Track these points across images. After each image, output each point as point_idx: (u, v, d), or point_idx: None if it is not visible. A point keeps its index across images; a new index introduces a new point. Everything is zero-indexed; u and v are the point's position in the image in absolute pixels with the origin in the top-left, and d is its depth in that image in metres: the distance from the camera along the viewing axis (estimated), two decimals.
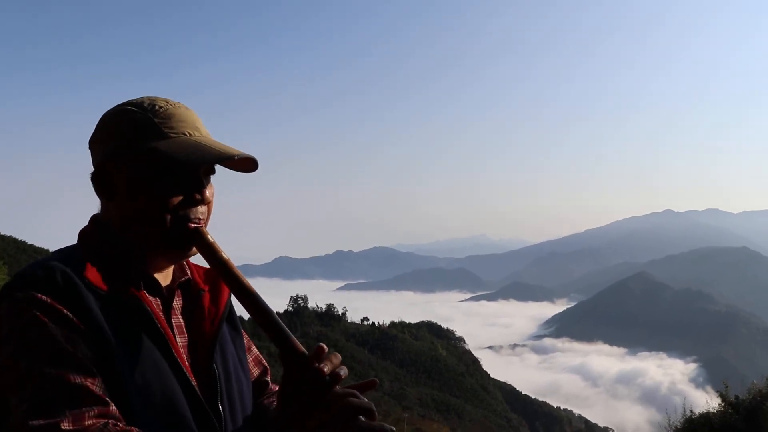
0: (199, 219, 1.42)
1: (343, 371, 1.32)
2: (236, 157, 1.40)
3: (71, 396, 1.21)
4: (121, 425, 1.22)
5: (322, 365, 1.30)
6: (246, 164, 1.46)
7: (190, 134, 1.42)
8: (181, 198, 1.40)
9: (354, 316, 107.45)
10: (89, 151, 1.47)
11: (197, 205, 1.42)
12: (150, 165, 1.38)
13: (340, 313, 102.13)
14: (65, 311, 1.27)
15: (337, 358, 1.34)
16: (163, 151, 1.37)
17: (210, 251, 1.41)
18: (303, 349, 1.33)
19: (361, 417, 1.27)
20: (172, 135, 1.39)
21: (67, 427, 1.18)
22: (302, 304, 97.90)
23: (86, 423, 1.19)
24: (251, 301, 1.38)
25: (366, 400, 1.29)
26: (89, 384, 1.23)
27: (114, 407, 1.24)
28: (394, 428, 1.25)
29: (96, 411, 1.21)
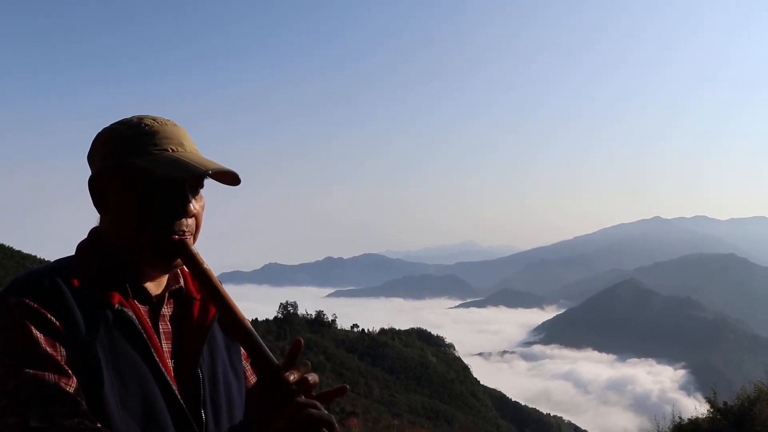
0: (184, 231, 1.48)
1: (312, 378, 1.37)
2: (211, 172, 1.45)
3: (43, 394, 1.27)
4: (88, 423, 1.27)
5: (288, 374, 1.34)
6: (230, 178, 1.51)
7: (173, 150, 1.47)
8: (165, 211, 1.46)
9: (344, 323, 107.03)
10: (89, 167, 1.54)
11: (181, 218, 1.47)
12: (135, 181, 1.45)
13: (329, 319, 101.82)
14: (49, 315, 1.34)
15: (307, 366, 1.38)
16: (143, 167, 1.44)
17: (192, 262, 1.47)
18: (274, 359, 1.38)
19: (324, 429, 1.29)
20: (155, 152, 1.46)
21: (35, 425, 1.24)
22: (292, 310, 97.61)
23: (54, 420, 1.25)
24: (227, 309, 1.44)
25: (326, 412, 1.32)
26: (63, 384, 1.29)
27: (85, 406, 1.30)
28: None
29: (65, 409, 1.27)
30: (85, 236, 1.55)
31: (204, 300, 1.59)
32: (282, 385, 1.33)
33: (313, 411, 1.30)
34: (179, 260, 1.49)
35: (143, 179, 1.45)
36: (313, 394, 1.37)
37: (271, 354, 1.38)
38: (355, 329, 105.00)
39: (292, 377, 1.34)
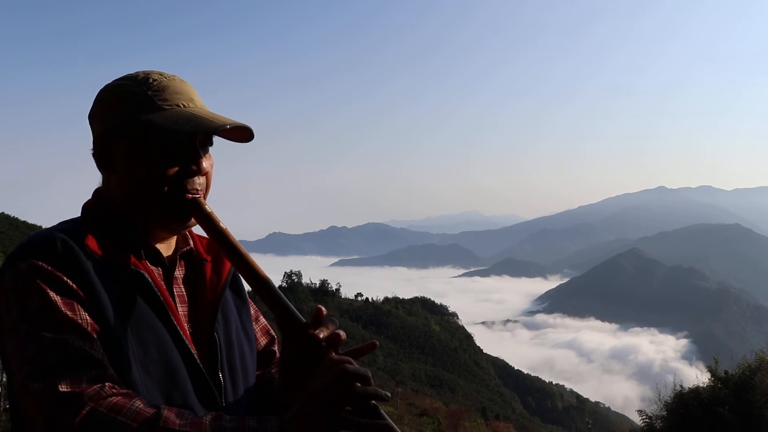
0: (197, 190, 1.42)
1: (342, 334, 1.33)
2: (228, 126, 1.39)
3: (69, 359, 1.21)
4: (117, 388, 1.22)
5: (317, 331, 1.31)
6: (241, 134, 1.46)
7: (185, 106, 1.42)
8: (177, 169, 1.39)
9: (348, 292, 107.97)
10: (90, 126, 1.47)
11: (194, 176, 1.42)
12: (145, 137, 1.38)
13: (334, 288, 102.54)
14: (65, 278, 1.28)
15: (334, 323, 1.35)
16: (156, 123, 1.37)
17: (208, 221, 1.42)
18: (300, 316, 1.35)
19: (358, 383, 1.24)
20: (165, 107, 1.39)
21: (64, 390, 1.18)
22: (296, 279, 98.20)
23: (83, 385, 1.19)
24: (249, 269, 1.38)
25: (361, 367, 1.27)
26: (87, 348, 1.23)
27: (111, 370, 1.24)
28: (389, 393, 1.26)
29: (93, 374, 1.22)
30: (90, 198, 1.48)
31: (215, 261, 1.56)
32: (312, 343, 1.31)
33: (348, 366, 1.25)
34: (192, 220, 1.44)
35: (154, 136, 1.38)
36: (341, 351, 1.34)
37: (296, 311, 1.35)
38: (359, 298, 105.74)
39: (322, 334, 1.31)
